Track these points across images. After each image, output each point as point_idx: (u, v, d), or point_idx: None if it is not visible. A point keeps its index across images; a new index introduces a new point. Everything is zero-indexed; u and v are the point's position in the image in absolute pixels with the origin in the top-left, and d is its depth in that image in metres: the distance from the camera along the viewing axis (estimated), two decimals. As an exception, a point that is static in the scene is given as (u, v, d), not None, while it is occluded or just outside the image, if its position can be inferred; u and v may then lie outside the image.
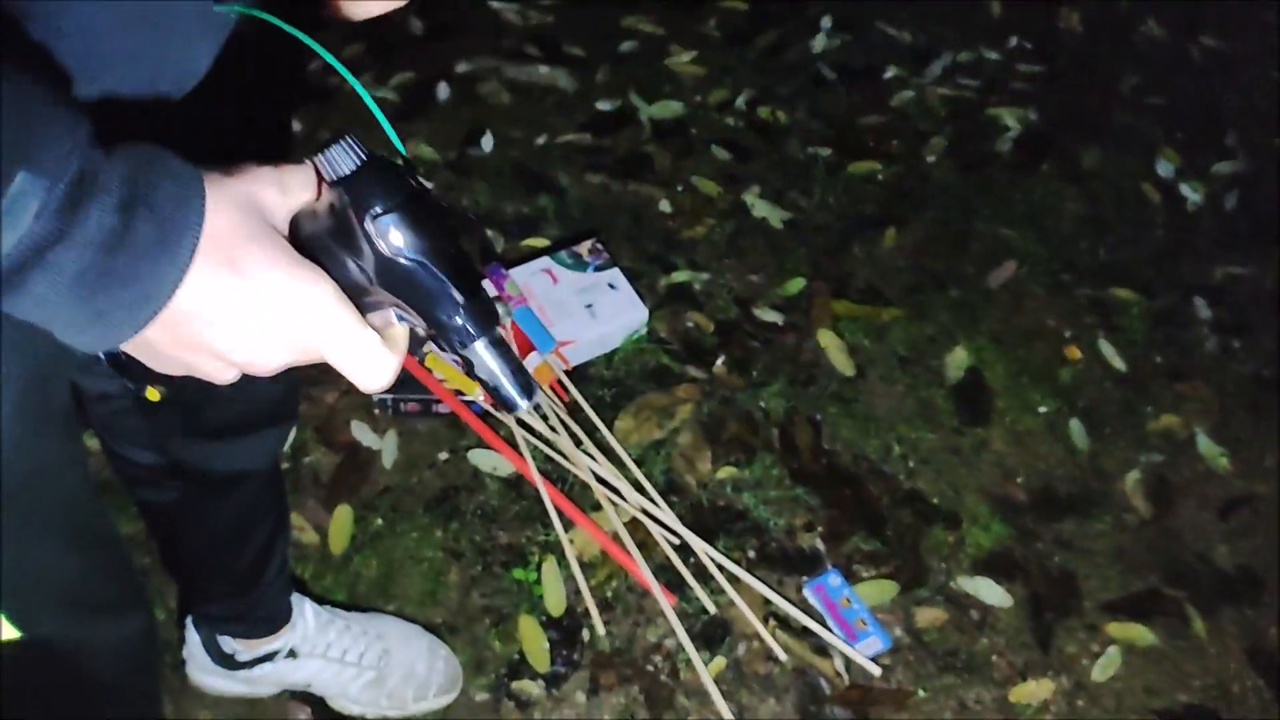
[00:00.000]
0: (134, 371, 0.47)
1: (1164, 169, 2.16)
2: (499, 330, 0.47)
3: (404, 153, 0.45)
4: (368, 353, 0.44)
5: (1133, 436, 1.71)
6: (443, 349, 0.46)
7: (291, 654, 1.25)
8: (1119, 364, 1.81)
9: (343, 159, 0.43)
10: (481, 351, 0.46)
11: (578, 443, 1.57)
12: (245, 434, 0.97)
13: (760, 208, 1.99)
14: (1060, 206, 2.07)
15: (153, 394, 0.52)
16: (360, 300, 0.45)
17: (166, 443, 0.94)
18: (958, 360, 1.78)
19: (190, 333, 0.42)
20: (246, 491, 1.05)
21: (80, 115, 0.37)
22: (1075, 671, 1.44)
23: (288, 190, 0.45)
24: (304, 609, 1.26)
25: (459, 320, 0.45)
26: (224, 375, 0.46)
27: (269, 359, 0.45)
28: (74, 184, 0.36)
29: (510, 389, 0.47)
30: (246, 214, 0.42)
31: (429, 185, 0.45)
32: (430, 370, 1.56)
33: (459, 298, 0.44)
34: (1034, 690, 1.42)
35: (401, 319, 0.47)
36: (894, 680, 1.41)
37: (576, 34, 2.29)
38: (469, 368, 0.47)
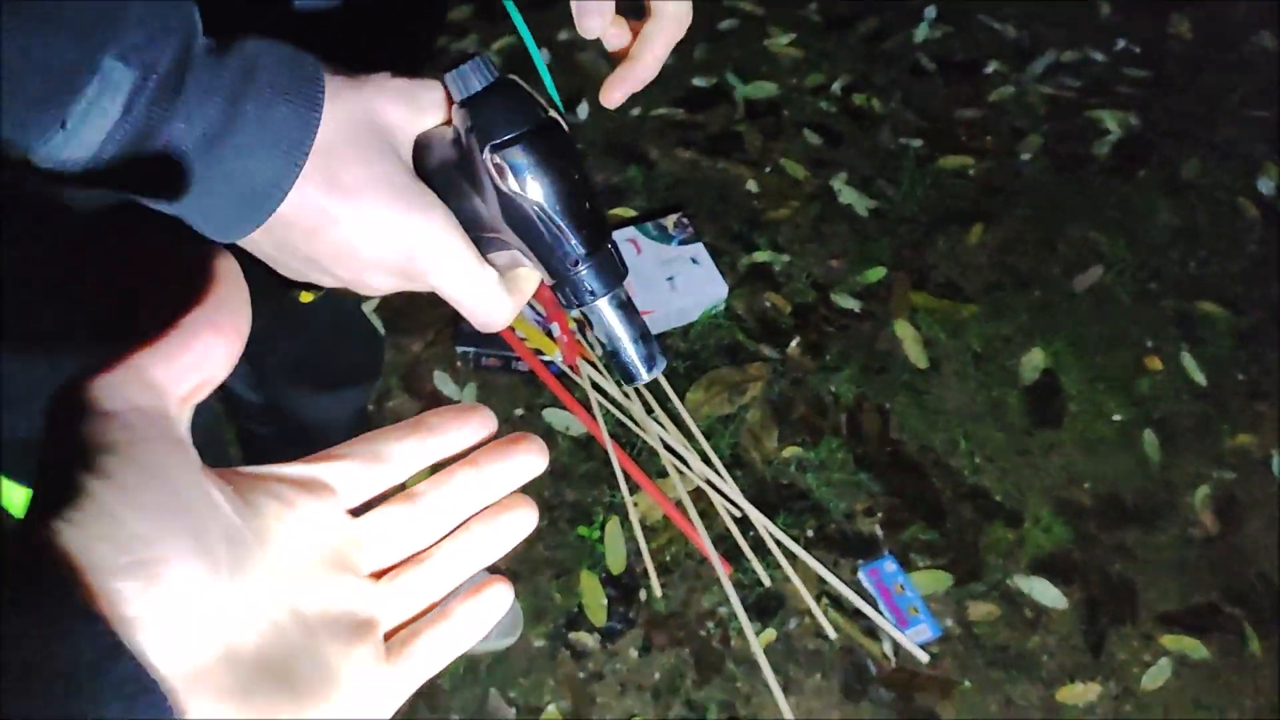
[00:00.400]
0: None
1: (1264, 185, 2.11)
2: (624, 291, 0.42)
3: (560, 108, 0.41)
4: (481, 291, 0.41)
5: (1206, 452, 1.70)
6: (563, 303, 0.42)
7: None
8: (1199, 378, 1.79)
9: (473, 76, 0.39)
10: (603, 311, 0.42)
11: (649, 410, 1.61)
12: (335, 389, 1.06)
13: (847, 194, 2.00)
14: (1154, 215, 2.04)
15: (305, 296, 0.49)
16: (481, 236, 0.42)
17: (269, 387, 1.03)
18: (1034, 361, 1.78)
19: (291, 242, 0.40)
20: (332, 437, 1.12)
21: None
22: (1125, 678, 1.45)
23: (417, 108, 0.41)
24: None
25: (579, 275, 0.41)
26: (343, 285, 0.43)
27: (374, 282, 0.42)
28: (170, 73, 0.34)
29: (631, 355, 0.43)
30: (362, 129, 0.39)
31: (565, 122, 0.41)
32: (512, 328, 1.61)
33: (579, 249, 0.40)
34: (1081, 692, 1.43)
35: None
36: (941, 669, 1.44)
37: (678, 9, 2.31)
38: (590, 327, 0.45)
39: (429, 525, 0.34)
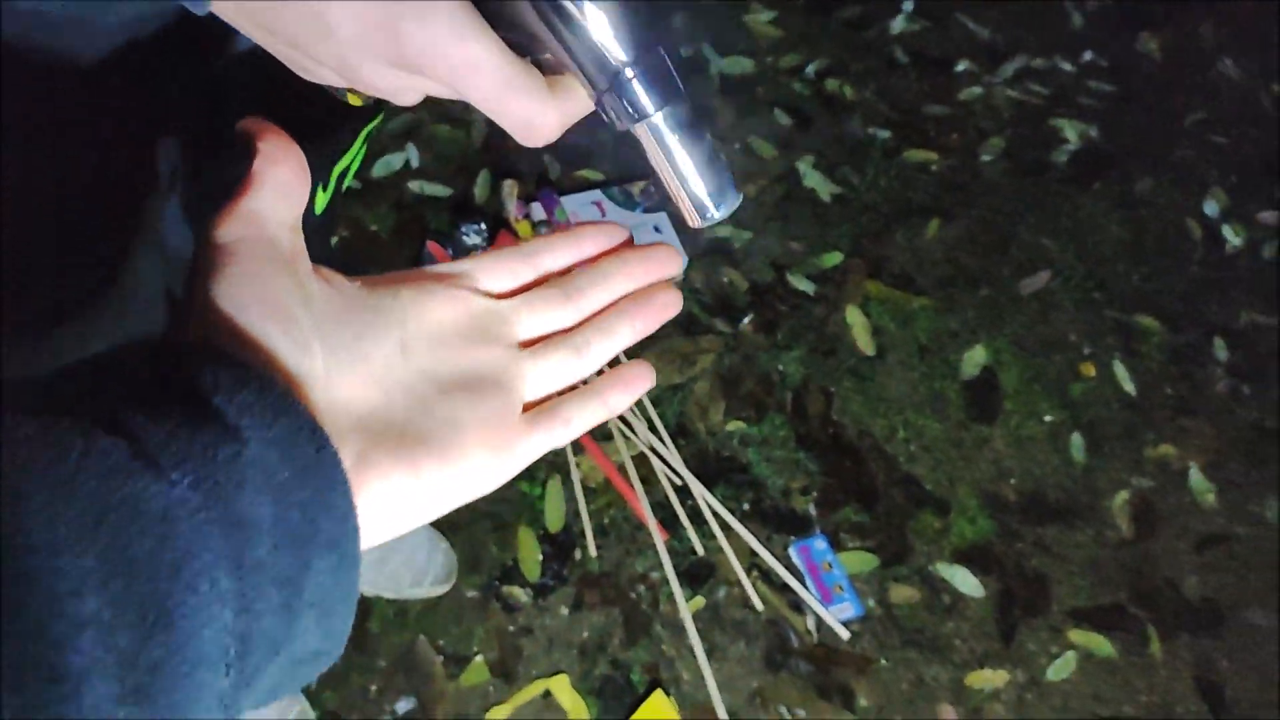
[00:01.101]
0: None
1: (1210, 208, 2.18)
2: (686, 109, 0.35)
3: None
4: (509, 78, 0.32)
5: (1129, 459, 1.77)
6: (612, 119, 0.35)
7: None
8: (1129, 388, 1.85)
9: None
10: (661, 131, 0.34)
11: (599, 373, 1.63)
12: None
13: (812, 178, 2.03)
14: (1105, 227, 2.10)
15: (354, 99, 0.41)
16: (506, 38, 0.33)
17: None
18: (975, 358, 1.83)
19: (261, 17, 0.33)
20: None
21: None
22: (1031, 668, 1.52)
23: None
24: None
25: (624, 82, 0.33)
26: (348, 82, 0.35)
27: (375, 77, 0.34)
28: None
29: (698, 187, 0.36)
30: None
31: None
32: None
33: (622, 53, 0.32)
34: (989, 678, 1.49)
35: None
36: (859, 646, 1.49)
37: (662, -25, 2.31)
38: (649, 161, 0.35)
39: (578, 304, 0.38)
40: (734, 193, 0.36)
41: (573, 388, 0.37)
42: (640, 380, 0.37)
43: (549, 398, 0.36)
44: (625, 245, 0.40)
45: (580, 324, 0.38)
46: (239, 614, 0.25)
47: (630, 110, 0.34)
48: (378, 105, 0.50)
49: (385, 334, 0.33)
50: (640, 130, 0.35)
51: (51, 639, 0.21)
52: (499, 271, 0.37)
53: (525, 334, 0.37)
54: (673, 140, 0.35)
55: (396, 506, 0.31)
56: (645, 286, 0.39)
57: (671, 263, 0.39)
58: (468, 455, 0.32)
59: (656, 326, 0.38)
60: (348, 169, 0.78)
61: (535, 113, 0.33)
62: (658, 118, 0.34)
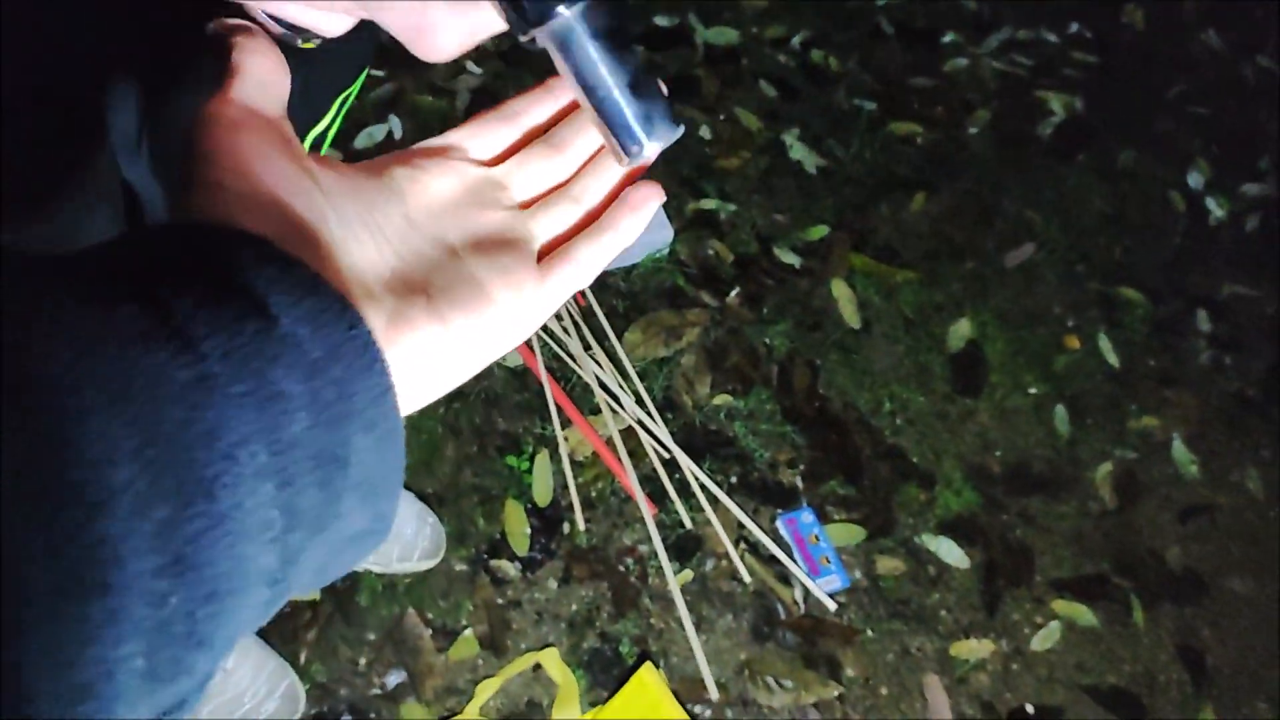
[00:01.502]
0: None
1: (1194, 180, 2.19)
2: (611, 13, 0.29)
3: None
4: None
5: (1112, 431, 1.78)
6: (516, 24, 0.29)
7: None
8: (1113, 360, 1.86)
9: None
10: (570, 34, 0.28)
11: (586, 347, 1.63)
12: None
13: (797, 150, 2.02)
14: (1088, 199, 2.10)
15: (306, 44, 0.38)
16: None
17: None
18: (961, 331, 1.83)
19: None
20: None
21: None
22: (1016, 638, 1.53)
23: None
24: None
25: None
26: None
27: None
28: None
29: (624, 110, 0.30)
30: None
31: None
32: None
33: None
34: (974, 648, 1.50)
35: None
36: (846, 618, 1.50)
37: (646, -56, 2.29)
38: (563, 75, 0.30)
39: (566, 154, 0.37)
40: (669, 123, 0.31)
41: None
42: (648, 199, 0.36)
43: (559, 244, 0.36)
44: None
45: (575, 174, 0.38)
46: (280, 488, 0.24)
47: (533, 7, 0.28)
48: (356, 72, 0.50)
49: (390, 208, 0.33)
50: (546, 38, 0.29)
51: (86, 504, 0.20)
52: (485, 137, 0.37)
53: (522, 195, 0.37)
54: (589, 50, 0.29)
55: (430, 363, 0.31)
56: None
57: None
58: (492, 302, 0.32)
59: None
60: (324, 136, 0.77)
61: (423, 13, 0.31)
62: (570, 15, 0.28)
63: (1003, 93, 2.25)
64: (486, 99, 1.94)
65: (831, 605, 1.48)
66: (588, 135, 0.38)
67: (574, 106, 0.38)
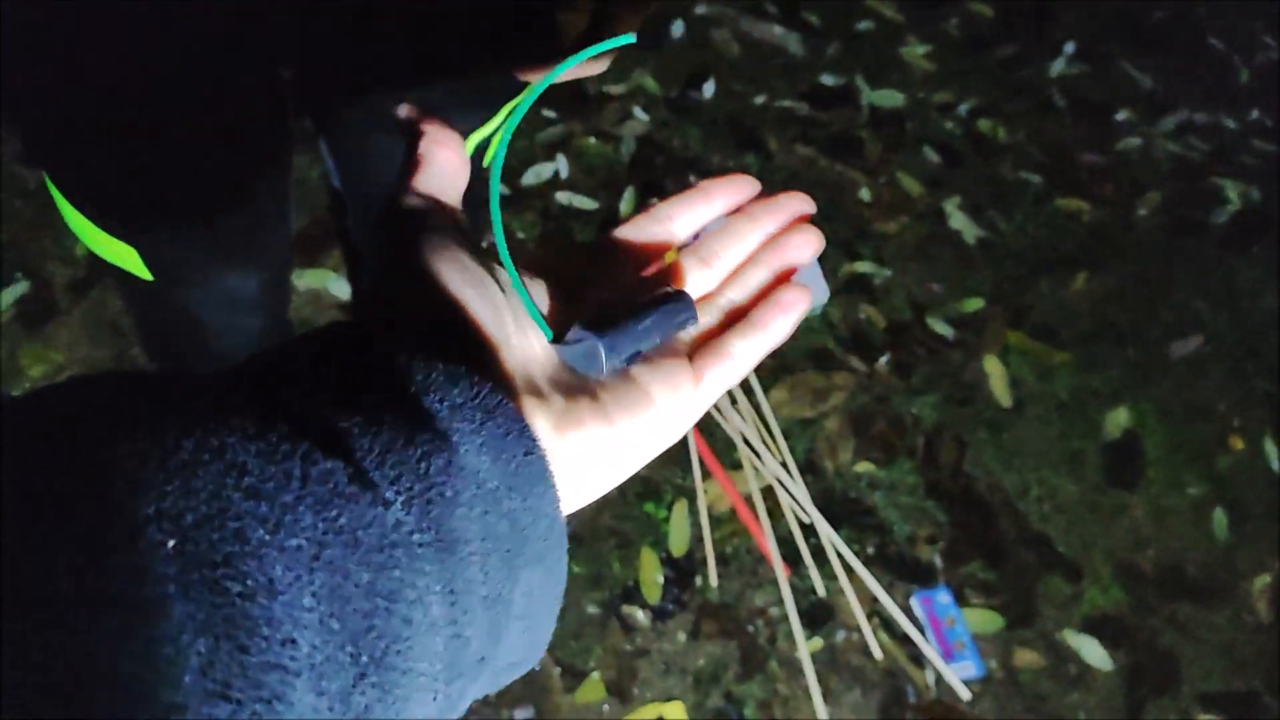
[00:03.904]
0: None
1: (1380, 282, 2.07)
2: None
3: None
4: None
5: (1274, 541, 1.69)
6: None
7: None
8: (1277, 466, 1.77)
9: None
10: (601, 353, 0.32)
11: (733, 401, 1.63)
12: None
13: (958, 219, 1.99)
14: (1261, 294, 2.01)
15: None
16: None
17: None
18: (1118, 419, 1.77)
19: None
20: None
21: None
22: (1157, 751, 1.46)
23: None
24: None
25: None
26: None
27: None
28: None
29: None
30: None
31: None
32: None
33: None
34: (1113, 756, 1.44)
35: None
36: (979, 708, 1.45)
37: (818, 2, 2.30)
38: None
39: (713, 267, 0.38)
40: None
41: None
42: (796, 303, 0.36)
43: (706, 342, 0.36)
44: (756, 199, 0.40)
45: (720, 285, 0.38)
46: (450, 640, 0.24)
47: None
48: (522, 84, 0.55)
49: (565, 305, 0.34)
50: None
51: (267, 690, 0.19)
52: (638, 245, 0.38)
53: None
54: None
55: (595, 461, 0.30)
56: (780, 231, 0.38)
57: (803, 204, 0.39)
58: (653, 403, 0.32)
59: (796, 263, 0.37)
60: (488, 142, 0.78)
61: None
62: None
63: (1176, 176, 2.17)
64: (651, 148, 1.97)
65: (966, 694, 1.44)
66: (737, 244, 0.38)
67: (728, 211, 0.39)
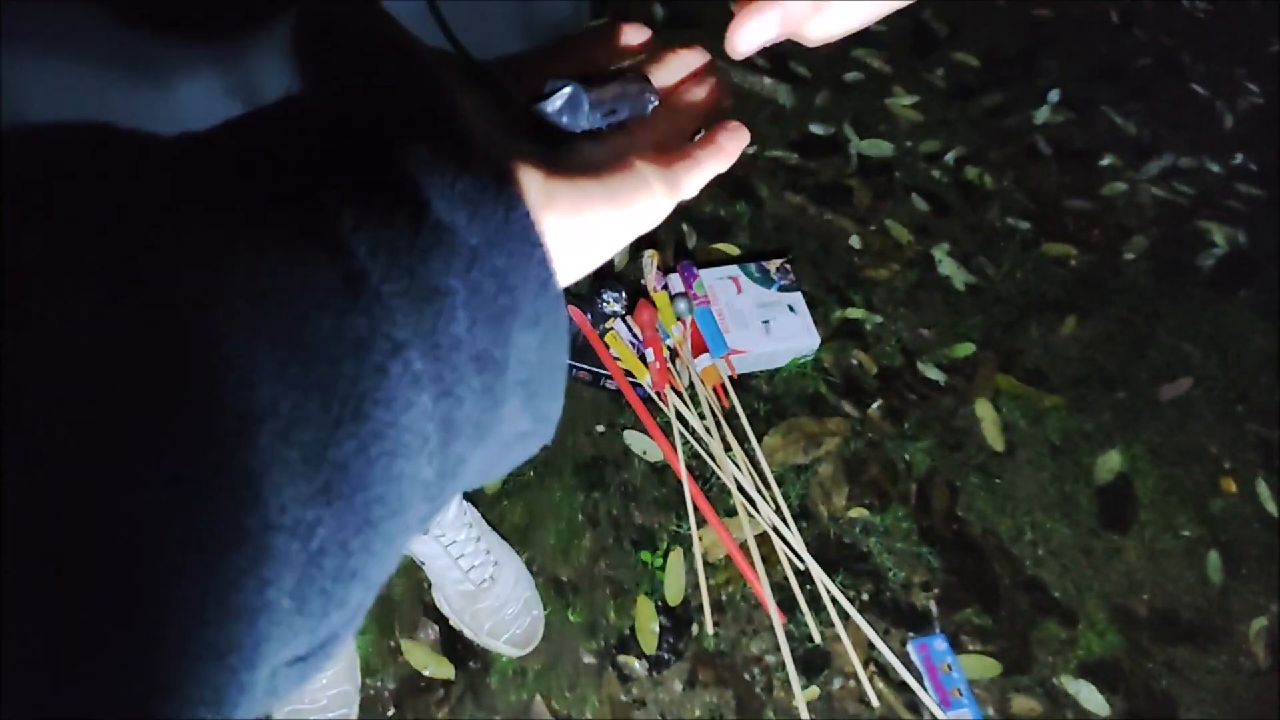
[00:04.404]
0: None
1: (1366, 324, 2.10)
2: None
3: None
4: None
5: (1269, 583, 1.69)
6: None
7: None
8: (1271, 508, 1.78)
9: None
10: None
11: (727, 448, 1.64)
12: None
13: (947, 265, 2.01)
14: (1249, 336, 2.03)
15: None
16: None
17: None
18: (1110, 463, 1.78)
19: None
20: None
21: None
22: (1157, 797, 1.45)
23: None
24: (457, 498, 1.36)
25: None
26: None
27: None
28: None
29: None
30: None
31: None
32: (608, 346, 1.64)
33: None
34: (1112, 803, 1.43)
35: None
36: (976, 755, 1.45)
37: (806, 54, 2.34)
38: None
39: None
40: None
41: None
42: (740, 130, 0.36)
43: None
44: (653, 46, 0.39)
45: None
46: (437, 399, 0.22)
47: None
48: None
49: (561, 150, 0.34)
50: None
51: (223, 435, 0.18)
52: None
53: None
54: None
55: (567, 247, 0.28)
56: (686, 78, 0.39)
57: (699, 57, 0.40)
58: (627, 181, 0.31)
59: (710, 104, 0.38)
60: None
61: None
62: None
63: (1162, 220, 2.20)
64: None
65: (963, 740, 1.43)
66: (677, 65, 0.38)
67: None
